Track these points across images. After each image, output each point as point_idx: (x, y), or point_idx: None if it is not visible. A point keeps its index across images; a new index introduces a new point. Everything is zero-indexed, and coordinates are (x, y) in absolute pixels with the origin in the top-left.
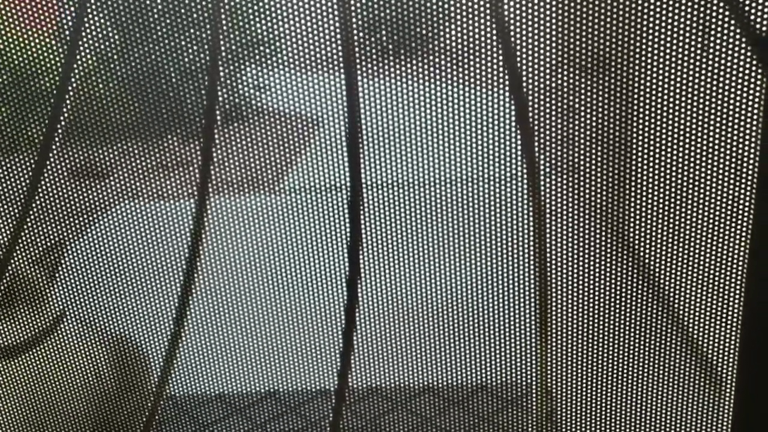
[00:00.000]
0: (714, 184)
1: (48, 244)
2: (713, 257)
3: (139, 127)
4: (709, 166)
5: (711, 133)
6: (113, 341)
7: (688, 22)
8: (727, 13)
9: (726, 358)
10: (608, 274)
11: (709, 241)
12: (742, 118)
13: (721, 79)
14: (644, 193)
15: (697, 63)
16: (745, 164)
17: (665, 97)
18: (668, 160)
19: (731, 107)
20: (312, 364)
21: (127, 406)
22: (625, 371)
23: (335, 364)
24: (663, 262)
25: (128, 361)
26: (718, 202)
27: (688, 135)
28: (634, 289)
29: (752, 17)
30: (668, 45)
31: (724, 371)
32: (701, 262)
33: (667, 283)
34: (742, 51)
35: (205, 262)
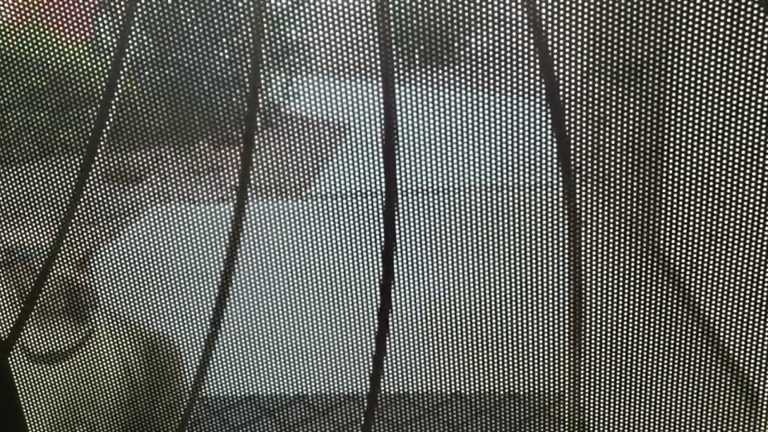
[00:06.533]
0: (753, 191)
1: (87, 247)
2: (752, 269)
3: (174, 132)
4: (749, 171)
5: (750, 137)
6: (148, 342)
7: (722, 23)
8: (762, 9)
9: (763, 372)
10: (643, 284)
11: (748, 252)
12: None
13: (759, 81)
14: (682, 202)
15: (733, 64)
16: None
17: (701, 101)
18: (707, 167)
19: None
20: (343, 368)
21: (162, 407)
22: (657, 383)
23: (367, 369)
24: (699, 273)
25: (163, 361)
26: (758, 210)
27: (726, 139)
28: (669, 300)
29: None
30: (703, 48)
31: (762, 386)
32: (738, 274)
33: (702, 294)
34: None
35: (239, 266)
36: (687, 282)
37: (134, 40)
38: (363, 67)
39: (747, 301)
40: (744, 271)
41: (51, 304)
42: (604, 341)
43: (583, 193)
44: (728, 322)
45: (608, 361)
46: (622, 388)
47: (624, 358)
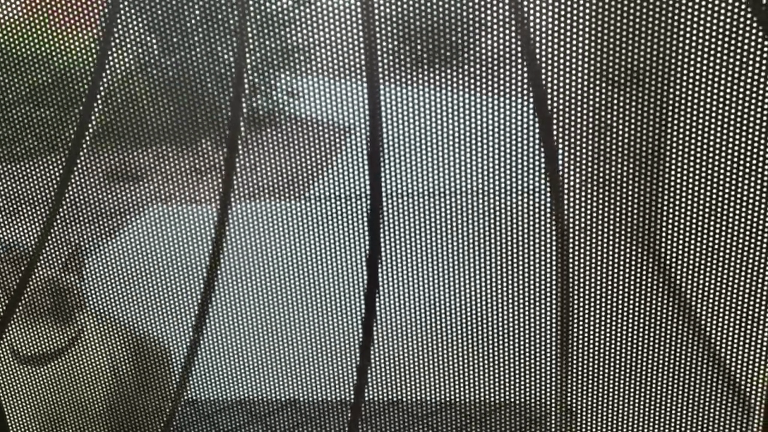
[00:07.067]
0: (745, 194)
1: (76, 246)
2: (743, 275)
3: (167, 132)
4: (739, 174)
5: (742, 142)
6: (138, 342)
7: (709, 30)
8: (751, 15)
9: (755, 380)
10: (633, 290)
11: (739, 257)
12: None
13: (750, 85)
14: (671, 207)
15: (722, 68)
16: None
17: (689, 106)
18: (694, 172)
19: (763, 114)
20: (332, 374)
21: (149, 408)
22: (648, 388)
23: (354, 376)
24: (691, 279)
25: (152, 362)
26: (749, 213)
27: (715, 144)
28: (660, 304)
29: None
30: (688, 55)
31: (753, 393)
32: (730, 278)
33: (694, 298)
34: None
35: (229, 269)
36: (683, 288)
37: (117, 43)
38: (357, 70)
39: (740, 305)
40: (736, 272)
41: (36, 305)
42: (592, 348)
43: (571, 200)
44: (720, 325)
45: (596, 368)
46: (610, 395)
47: (612, 366)
